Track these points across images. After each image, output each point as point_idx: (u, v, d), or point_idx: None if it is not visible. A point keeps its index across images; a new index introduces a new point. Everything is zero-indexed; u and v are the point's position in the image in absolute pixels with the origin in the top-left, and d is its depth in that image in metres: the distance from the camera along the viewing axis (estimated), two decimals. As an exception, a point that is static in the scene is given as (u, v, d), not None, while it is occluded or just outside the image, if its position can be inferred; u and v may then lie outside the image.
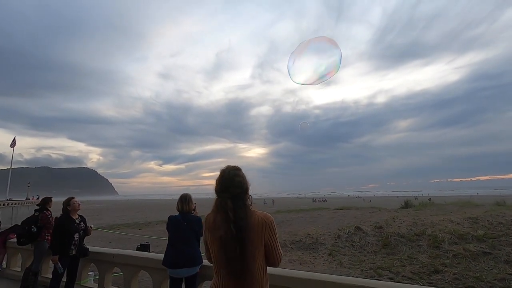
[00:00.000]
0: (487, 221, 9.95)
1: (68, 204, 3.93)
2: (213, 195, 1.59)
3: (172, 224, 2.99)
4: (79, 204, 3.93)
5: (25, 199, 41.45)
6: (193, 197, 3.08)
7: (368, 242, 9.63)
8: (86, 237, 4.07)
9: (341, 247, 9.48)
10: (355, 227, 10.77)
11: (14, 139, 39.05)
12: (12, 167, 40.87)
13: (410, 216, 12.21)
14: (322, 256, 8.80)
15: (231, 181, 1.57)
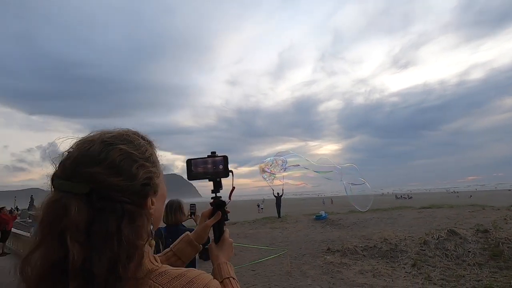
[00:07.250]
0: None
1: None
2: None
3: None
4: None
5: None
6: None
7: (469, 251, 7.47)
8: None
9: (430, 257, 7.59)
10: (448, 230, 8.59)
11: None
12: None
13: (531, 216, 9.22)
14: (404, 267, 7.15)
15: (95, 155, 0.65)
